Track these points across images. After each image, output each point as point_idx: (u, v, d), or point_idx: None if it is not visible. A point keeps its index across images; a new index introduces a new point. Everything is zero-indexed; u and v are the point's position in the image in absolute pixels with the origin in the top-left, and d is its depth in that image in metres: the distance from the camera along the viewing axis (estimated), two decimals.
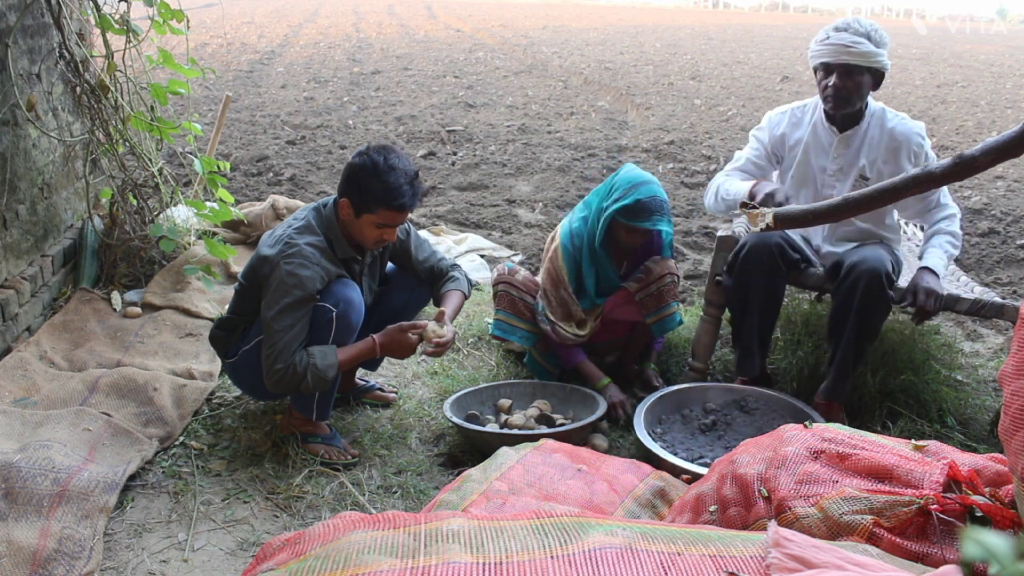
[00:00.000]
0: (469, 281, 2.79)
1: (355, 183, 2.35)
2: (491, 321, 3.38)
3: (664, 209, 2.69)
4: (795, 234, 2.89)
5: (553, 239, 2.95)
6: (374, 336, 2.45)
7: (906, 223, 3.71)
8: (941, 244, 2.74)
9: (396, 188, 2.31)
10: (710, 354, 3.01)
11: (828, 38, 2.69)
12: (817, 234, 2.96)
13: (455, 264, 2.79)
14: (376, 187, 2.31)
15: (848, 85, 2.68)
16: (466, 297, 2.73)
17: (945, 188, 2.80)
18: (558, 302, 2.87)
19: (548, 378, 2.99)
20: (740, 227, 3.09)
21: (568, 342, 2.85)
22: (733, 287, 2.80)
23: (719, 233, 2.94)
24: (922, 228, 3.64)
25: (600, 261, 2.84)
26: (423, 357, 3.22)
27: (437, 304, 2.70)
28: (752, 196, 2.74)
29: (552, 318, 2.86)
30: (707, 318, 2.96)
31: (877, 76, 2.72)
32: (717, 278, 2.89)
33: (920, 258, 2.77)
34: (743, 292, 2.77)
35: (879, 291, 2.55)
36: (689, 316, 3.41)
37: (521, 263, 4.40)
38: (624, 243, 2.81)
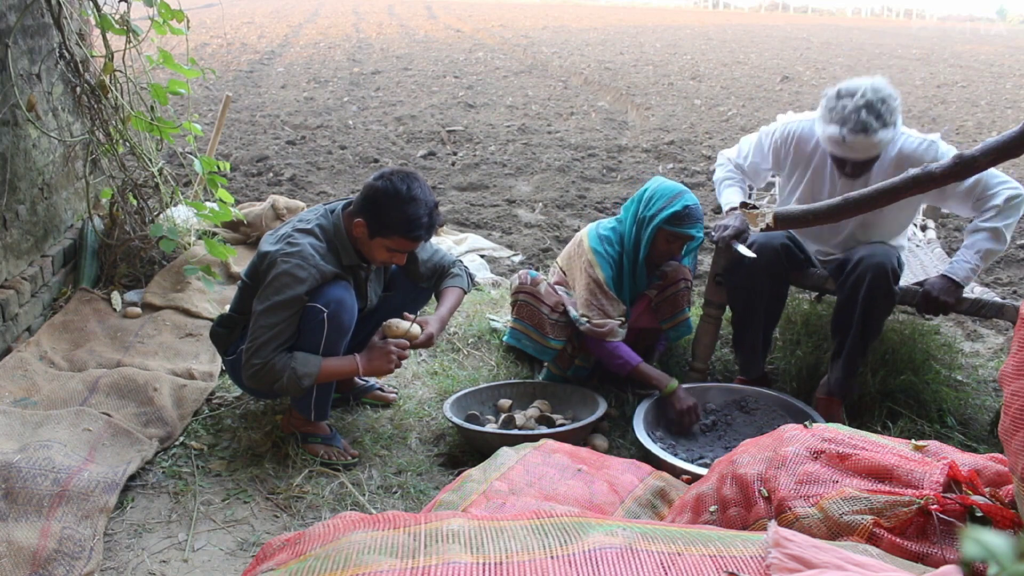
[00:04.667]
0: (471, 277, 2.79)
1: (374, 207, 2.34)
2: (498, 322, 3.38)
3: (702, 217, 2.76)
4: (799, 234, 2.89)
5: (580, 248, 2.87)
6: (356, 355, 2.43)
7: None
8: (973, 244, 2.61)
9: (415, 219, 2.32)
10: (710, 354, 3.01)
11: (844, 139, 2.50)
12: (809, 236, 2.94)
13: (457, 260, 2.78)
14: (395, 216, 2.31)
15: (866, 167, 2.61)
16: (465, 292, 2.73)
17: (991, 175, 2.57)
18: (599, 308, 2.77)
19: None
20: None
21: (614, 334, 2.73)
22: (738, 289, 2.79)
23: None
24: (923, 228, 3.63)
25: (639, 273, 2.83)
26: (422, 357, 3.22)
27: (438, 300, 2.71)
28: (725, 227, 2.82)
29: (589, 316, 2.77)
30: (707, 318, 2.95)
31: None
32: (717, 278, 2.89)
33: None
34: (748, 294, 2.77)
35: (885, 286, 2.54)
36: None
37: (521, 263, 4.40)
38: (661, 253, 2.78)
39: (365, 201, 2.37)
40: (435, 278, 2.74)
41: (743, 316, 2.84)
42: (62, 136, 3.45)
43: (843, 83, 2.57)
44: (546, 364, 2.97)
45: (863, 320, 2.59)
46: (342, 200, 2.51)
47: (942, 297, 2.59)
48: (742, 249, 2.71)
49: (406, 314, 2.52)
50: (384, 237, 2.36)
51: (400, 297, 2.74)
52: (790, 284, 2.88)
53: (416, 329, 2.48)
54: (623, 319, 2.79)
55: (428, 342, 2.52)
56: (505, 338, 2.99)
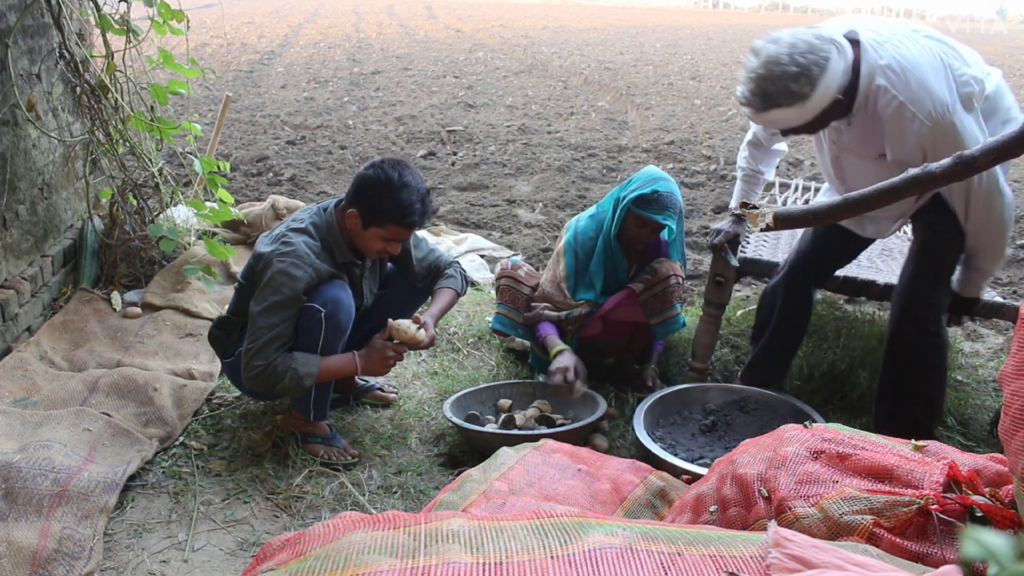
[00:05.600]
0: (465, 278, 2.79)
1: (366, 196, 2.35)
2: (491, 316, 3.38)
3: (677, 207, 2.75)
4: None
5: (560, 241, 2.98)
6: (355, 352, 2.44)
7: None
8: (977, 281, 2.47)
9: (408, 206, 2.32)
10: (710, 354, 3.01)
11: (749, 117, 2.23)
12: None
13: (454, 261, 2.78)
14: (388, 203, 2.32)
15: (799, 131, 2.26)
16: (459, 295, 2.73)
17: (990, 174, 2.22)
18: (546, 297, 2.92)
19: None
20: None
21: (539, 318, 2.90)
22: (761, 306, 2.83)
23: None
24: None
25: (614, 255, 2.85)
26: (422, 357, 3.22)
27: (432, 299, 2.71)
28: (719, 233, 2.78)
29: (536, 304, 2.95)
30: (707, 318, 2.95)
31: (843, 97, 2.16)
32: (717, 278, 2.89)
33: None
34: (767, 312, 2.80)
35: (914, 332, 2.35)
36: (689, 316, 3.41)
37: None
38: (632, 238, 2.82)
39: (357, 191, 2.37)
40: (430, 278, 2.74)
41: (760, 331, 2.86)
42: (62, 136, 3.45)
43: (768, 35, 2.22)
44: (531, 348, 3.01)
45: (909, 374, 2.43)
46: (335, 198, 2.51)
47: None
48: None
49: (417, 316, 2.52)
50: (378, 226, 2.36)
51: (396, 296, 2.74)
52: (822, 290, 2.83)
53: (422, 334, 2.47)
54: (567, 313, 2.88)
55: (430, 345, 2.54)
56: (491, 324, 3.02)
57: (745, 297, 3.91)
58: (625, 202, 2.75)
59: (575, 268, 2.86)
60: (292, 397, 2.48)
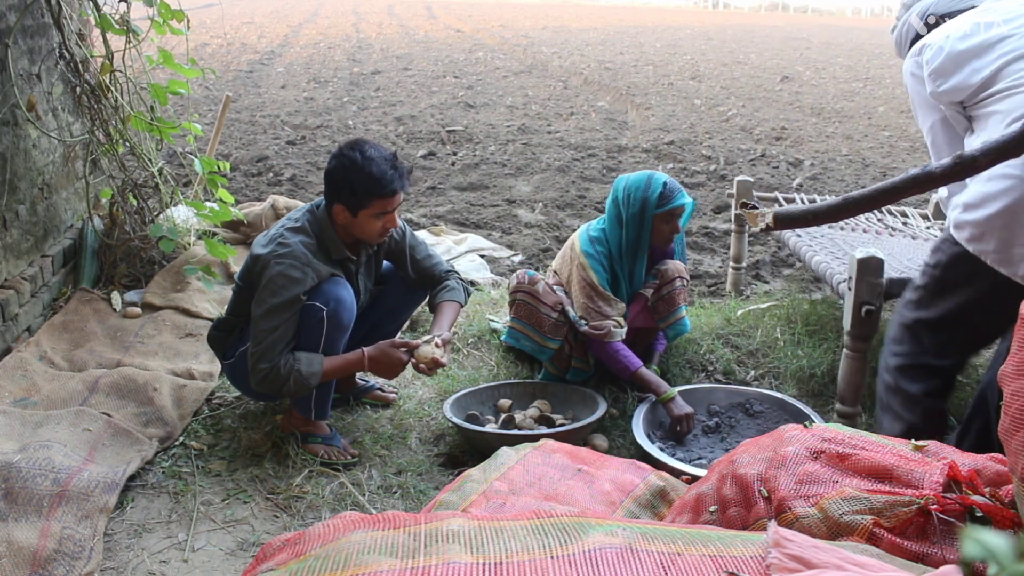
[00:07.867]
0: (466, 290, 2.76)
1: (340, 186, 2.35)
2: (498, 323, 3.38)
3: (680, 186, 2.79)
4: None
5: (572, 251, 2.88)
6: (364, 349, 2.44)
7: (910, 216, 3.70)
8: None
9: (382, 176, 2.32)
10: (860, 395, 2.57)
11: None
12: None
13: (451, 270, 2.76)
14: (363, 183, 2.32)
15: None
16: (462, 307, 2.71)
17: None
18: (597, 310, 2.77)
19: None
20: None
21: (611, 335, 2.74)
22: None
23: (857, 256, 2.40)
24: (925, 217, 3.63)
25: (637, 272, 2.83)
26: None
27: (432, 311, 2.70)
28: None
29: (588, 318, 2.79)
30: (852, 355, 2.51)
31: None
32: (866, 307, 2.40)
33: None
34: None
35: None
36: (689, 316, 3.40)
37: (521, 263, 4.40)
38: (665, 237, 2.80)
39: (332, 186, 2.38)
40: (426, 284, 2.72)
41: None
42: (62, 136, 3.45)
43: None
44: (544, 364, 2.97)
45: None
46: (323, 198, 2.51)
47: None
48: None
49: (436, 340, 2.50)
50: (365, 208, 2.35)
51: (392, 293, 2.74)
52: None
53: (440, 352, 2.47)
54: (621, 319, 2.78)
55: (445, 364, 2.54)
56: (503, 337, 2.99)
57: (745, 297, 3.90)
58: (649, 213, 2.73)
59: (607, 277, 2.81)
60: (293, 397, 2.48)
